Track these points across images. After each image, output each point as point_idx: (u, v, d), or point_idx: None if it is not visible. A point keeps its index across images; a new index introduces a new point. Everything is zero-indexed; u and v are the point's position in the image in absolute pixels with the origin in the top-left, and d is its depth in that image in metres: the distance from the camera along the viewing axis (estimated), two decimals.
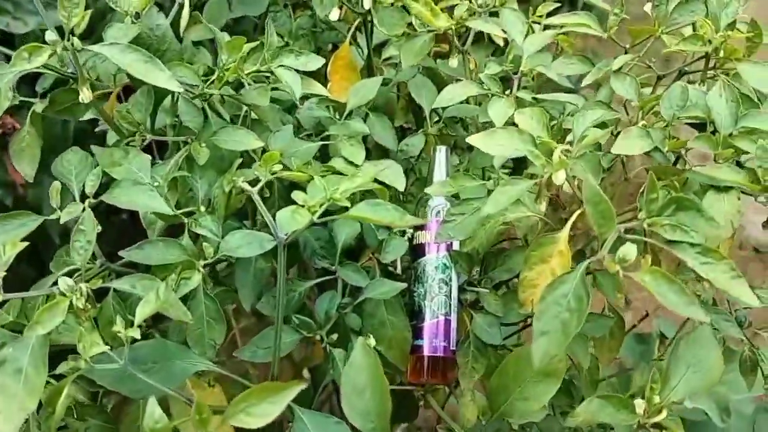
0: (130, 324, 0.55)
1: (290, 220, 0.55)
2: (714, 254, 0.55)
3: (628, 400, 0.51)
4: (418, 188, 0.89)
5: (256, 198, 0.67)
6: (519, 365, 0.60)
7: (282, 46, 0.80)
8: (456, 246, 0.80)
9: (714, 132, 0.68)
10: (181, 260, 0.64)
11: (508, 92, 0.80)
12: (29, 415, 0.55)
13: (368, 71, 0.96)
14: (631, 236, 0.57)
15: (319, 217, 0.59)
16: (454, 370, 0.79)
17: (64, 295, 0.55)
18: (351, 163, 0.80)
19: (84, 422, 0.61)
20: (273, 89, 0.78)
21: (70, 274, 0.59)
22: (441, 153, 0.84)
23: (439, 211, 0.80)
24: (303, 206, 0.59)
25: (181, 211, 0.71)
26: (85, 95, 0.63)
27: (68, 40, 0.61)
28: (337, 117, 0.86)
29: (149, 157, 0.72)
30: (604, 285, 0.68)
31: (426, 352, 0.77)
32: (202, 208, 0.71)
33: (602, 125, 0.77)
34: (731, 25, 0.75)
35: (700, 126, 0.72)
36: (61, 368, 0.53)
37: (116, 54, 0.61)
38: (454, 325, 0.79)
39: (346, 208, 0.61)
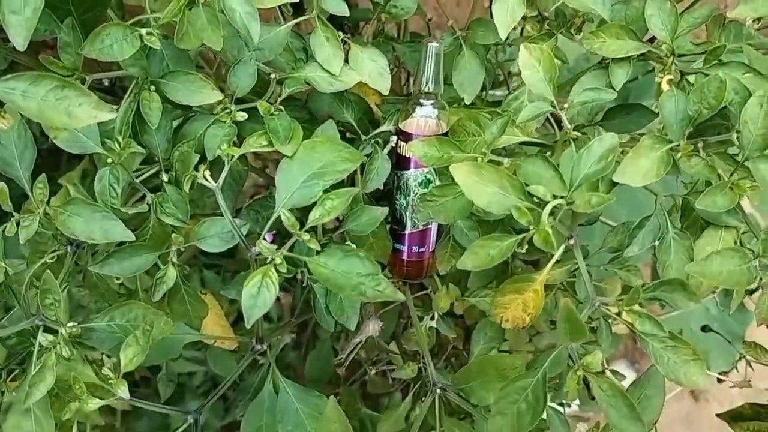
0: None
1: (258, 301, 0.53)
2: (678, 340, 0.55)
3: None
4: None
5: (221, 201, 0.62)
6: (481, 366, 0.66)
7: None
8: None
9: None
10: (153, 261, 0.63)
11: None
12: None
13: None
14: (606, 309, 0.56)
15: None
16: (432, 266, 0.83)
17: (48, 350, 0.57)
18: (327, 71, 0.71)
19: None
20: None
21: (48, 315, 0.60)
22: (431, 50, 0.72)
23: (426, 121, 0.74)
24: (270, 261, 0.56)
25: (140, 178, 0.66)
26: (4, 123, 0.53)
27: None
28: None
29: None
30: None
31: (405, 257, 0.80)
32: (165, 177, 0.65)
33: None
34: None
35: None
36: (66, 414, 0.59)
37: (29, 95, 0.49)
38: (434, 230, 0.80)
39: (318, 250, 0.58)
